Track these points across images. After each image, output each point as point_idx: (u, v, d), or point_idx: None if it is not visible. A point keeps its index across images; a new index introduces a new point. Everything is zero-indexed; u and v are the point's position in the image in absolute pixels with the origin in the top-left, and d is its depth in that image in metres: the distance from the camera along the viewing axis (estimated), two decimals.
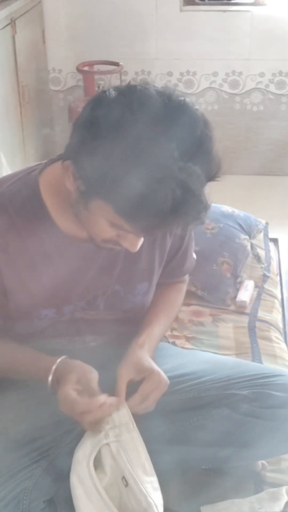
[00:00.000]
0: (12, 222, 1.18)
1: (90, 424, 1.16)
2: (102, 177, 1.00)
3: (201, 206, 1.02)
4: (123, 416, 1.19)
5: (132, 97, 1.01)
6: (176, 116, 1.01)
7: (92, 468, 1.14)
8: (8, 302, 1.24)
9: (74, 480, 1.14)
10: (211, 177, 1.05)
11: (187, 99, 1.05)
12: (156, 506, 1.13)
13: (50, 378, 1.20)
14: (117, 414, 1.18)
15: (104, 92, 1.05)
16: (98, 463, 1.18)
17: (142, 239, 1.13)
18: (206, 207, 1.03)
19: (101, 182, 1.01)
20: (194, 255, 1.49)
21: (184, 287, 1.52)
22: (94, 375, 1.19)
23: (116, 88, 1.05)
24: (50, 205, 1.18)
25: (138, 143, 0.97)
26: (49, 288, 1.23)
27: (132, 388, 1.22)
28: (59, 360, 1.22)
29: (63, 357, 1.23)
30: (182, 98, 1.04)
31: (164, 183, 0.97)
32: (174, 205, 0.98)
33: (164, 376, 1.24)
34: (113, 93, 1.03)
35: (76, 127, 1.06)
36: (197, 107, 1.06)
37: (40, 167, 1.22)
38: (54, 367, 1.20)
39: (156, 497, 1.15)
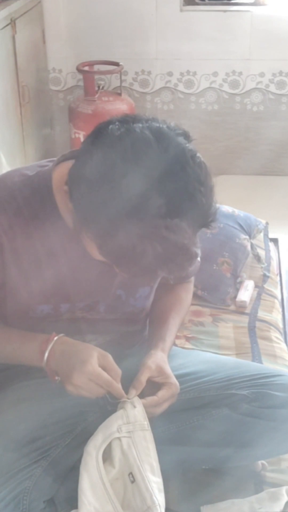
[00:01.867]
0: (19, 210, 1.18)
1: (94, 389, 1.17)
2: (88, 218, 1.03)
3: (185, 258, 1.04)
4: (139, 413, 1.20)
5: (127, 143, 1.00)
6: (170, 169, 0.99)
7: (100, 460, 1.15)
8: (6, 295, 1.24)
9: (82, 471, 1.15)
10: (204, 225, 1.06)
11: (188, 147, 1.03)
12: (160, 506, 1.14)
13: (46, 354, 1.20)
14: (132, 411, 1.19)
15: (108, 125, 1.04)
16: (107, 456, 1.18)
17: None
18: (191, 258, 1.04)
19: (87, 221, 1.03)
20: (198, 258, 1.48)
21: (191, 287, 1.52)
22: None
23: (120, 124, 1.04)
24: (60, 201, 1.18)
25: (125, 194, 0.98)
26: (47, 282, 1.23)
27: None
28: (56, 337, 1.22)
29: (60, 334, 1.23)
30: (182, 147, 1.02)
31: (145, 239, 0.98)
32: (155, 260, 1.00)
33: (178, 387, 1.26)
34: (114, 130, 1.03)
35: (79, 155, 1.08)
36: (198, 154, 1.04)
37: (54, 162, 1.22)
38: (50, 345, 1.20)
39: (160, 498, 1.15)
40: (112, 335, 1.37)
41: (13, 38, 2.82)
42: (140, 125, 1.03)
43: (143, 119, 1.06)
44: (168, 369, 1.26)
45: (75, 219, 1.09)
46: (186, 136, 1.06)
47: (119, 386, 1.19)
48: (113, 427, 1.18)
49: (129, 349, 1.44)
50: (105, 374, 1.17)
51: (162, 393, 1.23)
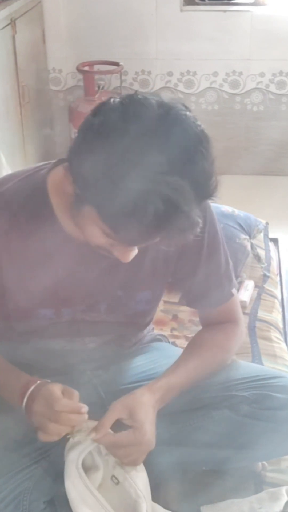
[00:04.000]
0: (15, 218, 1.18)
1: (52, 430, 1.12)
2: (92, 184, 1.00)
3: (187, 223, 1.00)
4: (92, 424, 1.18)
5: (129, 106, 1.00)
6: (171, 129, 0.99)
7: (81, 470, 1.15)
8: (6, 300, 1.24)
9: (67, 484, 1.15)
10: (204, 195, 1.03)
11: (189, 114, 1.03)
12: (144, 497, 1.16)
13: (25, 399, 1.16)
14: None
15: (109, 99, 1.04)
16: (91, 463, 1.19)
17: (134, 251, 1.10)
18: (193, 225, 1.01)
19: (90, 188, 1.01)
20: (235, 291, 1.37)
21: (236, 331, 1.37)
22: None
23: (121, 96, 1.04)
24: (56, 205, 1.18)
25: (127, 153, 0.96)
26: (48, 288, 1.22)
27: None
28: (38, 382, 1.18)
29: (42, 380, 1.19)
30: (184, 112, 1.02)
31: (146, 196, 0.96)
32: (156, 219, 0.97)
33: (149, 438, 1.18)
34: (115, 101, 1.03)
35: (78, 131, 1.07)
36: (199, 123, 1.03)
37: (49, 166, 1.21)
38: (31, 389, 1.17)
39: (145, 491, 1.17)
40: (112, 337, 1.37)
41: (13, 38, 2.82)
42: (138, 95, 1.03)
43: (144, 92, 1.06)
44: (142, 413, 1.18)
45: (75, 200, 1.06)
46: (188, 109, 1.06)
47: (72, 417, 1.12)
48: (86, 440, 1.17)
49: (128, 350, 1.44)
50: (73, 416, 1.12)
51: (120, 434, 1.17)
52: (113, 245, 1.08)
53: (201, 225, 1.02)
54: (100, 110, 1.03)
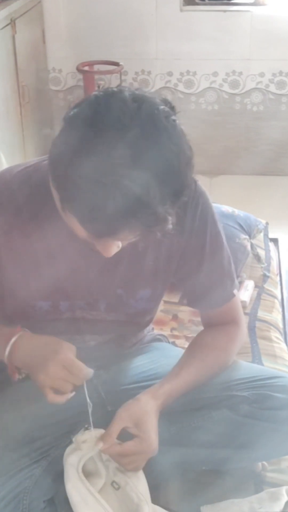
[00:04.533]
0: (18, 208, 1.18)
1: (58, 387, 1.13)
2: (59, 174, 0.99)
3: (152, 218, 0.98)
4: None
5: (102, 99, 0.99)
6: (139, 124, 0.97)
7: (81, 474, 1.15)
8: (5, 293, 1.24)
9: (69, 487, 1.15)
10: (172, 191, 0.99)
11: (164, 109, 1.00)
12: (146, 501, 1.16)
13: (8, 349, 1.17)
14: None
15: (89, 95, 1.04)
16: (93, 468, 1.19)
17: (115, 246, 1.07)
18: (159, 221, 0.99)
19: (58, 179, 1.00)
20: (236, 291, 1.37)
21: (238, 332, 1.37)
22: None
23: (104, 89, 1.04)
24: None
25: (92, 145, 0.95)
26: (46, 279, 1.22)
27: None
28: (21, 332, 1.19)
29: (25, 330, 1.20)
30: (157, 107, 0.99)
31: (108, 188, 0.94)
32: (117, 212, 0.95)
33: (155, 447, 1.19)
34: (94, 94, 1.02)
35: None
36: (173, 118, 1.00)
37: None
38: (13, 339, 1.17)
39: (145, 494, 1.18)
40: (112, 335, 1.37)
41: (13, 38, 2.82)
42: (120, 88, 1.02)
43: (127, 87, 1.04)
44: (148, 423, 1.18)
45: (55, 193, 1.05)
46: (170, 106, 1.03)
47: (90, 370, 1.14)
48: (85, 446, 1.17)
49: (128, 349, 1.44)
50: (77, 361, 1.14)
51: (128, 445, 1.17)
52: (91, 238, 1.06)
53: (171, 222, 1.00)
54: (78, 103, 1.03)
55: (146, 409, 1.20)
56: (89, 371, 1.14)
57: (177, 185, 1.00)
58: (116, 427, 1.17)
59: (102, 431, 1.18)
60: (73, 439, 1.18)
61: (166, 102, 1.03)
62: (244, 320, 1.42)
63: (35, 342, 1.18)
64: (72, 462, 1.16)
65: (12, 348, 1.17)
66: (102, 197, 0.95)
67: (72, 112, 1.01)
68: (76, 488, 1.14)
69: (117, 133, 0.95)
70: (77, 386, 1.15)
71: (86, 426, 1.18)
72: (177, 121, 1.01)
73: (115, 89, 1.02)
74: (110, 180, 0.94)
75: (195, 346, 1.35)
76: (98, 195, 0.95)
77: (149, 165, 0.96)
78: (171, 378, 1.27)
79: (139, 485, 1.19)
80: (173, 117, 1.00)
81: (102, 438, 1.16)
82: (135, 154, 0.95)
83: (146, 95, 1.01)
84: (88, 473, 1.18)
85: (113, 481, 1.19)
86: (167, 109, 1.00)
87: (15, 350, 1.17)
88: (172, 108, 1.03)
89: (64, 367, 1.13)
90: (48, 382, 1.13)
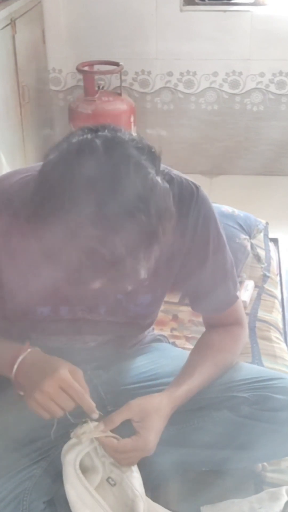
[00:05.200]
0: (16, 215, 1.18)
1: (48, 407, 1.12)
2: (35, 217, 1.01)
3: (120, 276, 0.98)
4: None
5: (74, 148, 0.99)
6: (109, 179, 0.95)
7: (79, 471, 1.15)
8: (5, 296, 1.23)
9: (67, 486, 1.15)
10: (149, 247, 0.98)
11: (135, 159, 0.96)
12: (141, 497, 1.17)
13: (15, 367, 1.16)
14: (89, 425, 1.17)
15: (78, 131, 1.03)
16: (89, 464, 1.19)
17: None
18: (129, 277, 0.99)
19: (33, 219, 1.01)
20: (239, 293, 1.38)
21: (241, 333, 1.38)
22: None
23: (81, 131, 1.03)
24: None
25: (60, 199, 0.95)
26: (45, 285, 1.22)
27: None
28: (29, 349, 1.18)
29: (35, 348, 1.19)
30: (127, 158, 0.97)
31: (74, 248, 0.95)
32: (86, 270, 0.97)
33: (151, 447, 1.18)
34: (71, 136, 1.02)
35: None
36: (150, 170, 0.97)
37: None
38: (21, 357, 1.16)
39: (141, 490, 1.18)
40: (112, 336, 1.37)
41: (13, 38, 2.82)
42: (99, 133, 1.00)
43: (109, 129, 1.02)
44: (153, 421, 1.18)
45: None
46: (149, 151, 1.00)
47: (89, 399, 1.14)
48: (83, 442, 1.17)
49: (128, 350, 1.44)
50: (76, 384, 1.13)
51: (124, 441, 1.17)
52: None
53: (146, 269, 1.00)
54: (52, 149, 1.03)
55: (158, 408, 1.20)
56: (87, 398, 1.13)
57: (151, 241, 0.98)
58: (121, 415, 1.17)
59: (100, 424, 1.17)
60: (71, 435, 1.18)
61: (145, 148, 1.00)
62: (246, 321, 1.42)
63: (39, 358, 1.17)
64: (70, 459, 1.16)
65: (20, 365, 1.16)
66: (72, 261, 0.97)
67: (49, 156, 1.01)
68: (73, 487, 1.14)
69: (87, 189, 0.94)
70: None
71: (83, 420, 1.18)
72: (150, 173, 0.98)
73: (88, 136, 1.00)
74: (76, 238, 0.95)
75: (204, 347, 1.35)
76: (69, 257, 0.97)
77: (117, 226, 0.94)
78: (186, 380, 1.27)
79: (134, 480, 1.19)
80: (148, 170, 0.97)
81: (104, 420, 1.16)
82: (102, 213, 0.93)
83: (120, 141, 0.99)
84: (85, 469, 1.18)
85: (109, 477, 1.19)
86: (142, 161, 0.97)
87: (21, 368, 1.16)
88: (151, 152, 1.00)
89: (61, 388, 1.12)
90: (40, 402, 1.12)
